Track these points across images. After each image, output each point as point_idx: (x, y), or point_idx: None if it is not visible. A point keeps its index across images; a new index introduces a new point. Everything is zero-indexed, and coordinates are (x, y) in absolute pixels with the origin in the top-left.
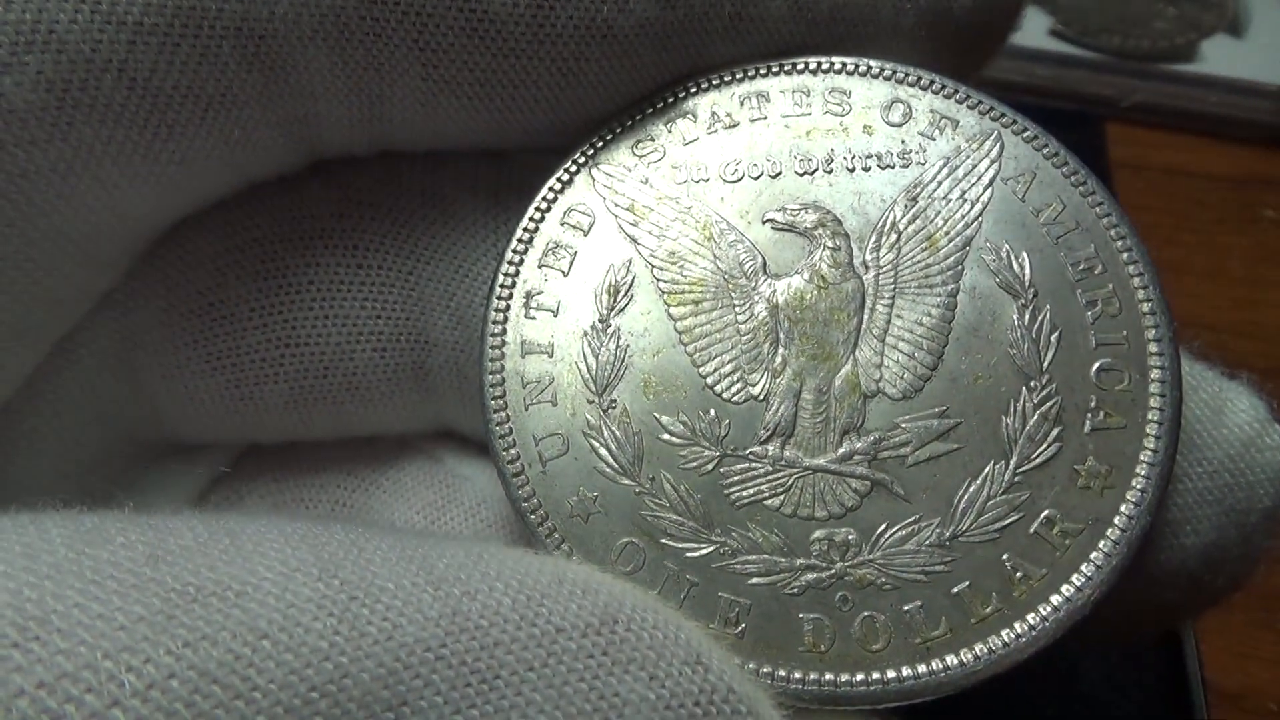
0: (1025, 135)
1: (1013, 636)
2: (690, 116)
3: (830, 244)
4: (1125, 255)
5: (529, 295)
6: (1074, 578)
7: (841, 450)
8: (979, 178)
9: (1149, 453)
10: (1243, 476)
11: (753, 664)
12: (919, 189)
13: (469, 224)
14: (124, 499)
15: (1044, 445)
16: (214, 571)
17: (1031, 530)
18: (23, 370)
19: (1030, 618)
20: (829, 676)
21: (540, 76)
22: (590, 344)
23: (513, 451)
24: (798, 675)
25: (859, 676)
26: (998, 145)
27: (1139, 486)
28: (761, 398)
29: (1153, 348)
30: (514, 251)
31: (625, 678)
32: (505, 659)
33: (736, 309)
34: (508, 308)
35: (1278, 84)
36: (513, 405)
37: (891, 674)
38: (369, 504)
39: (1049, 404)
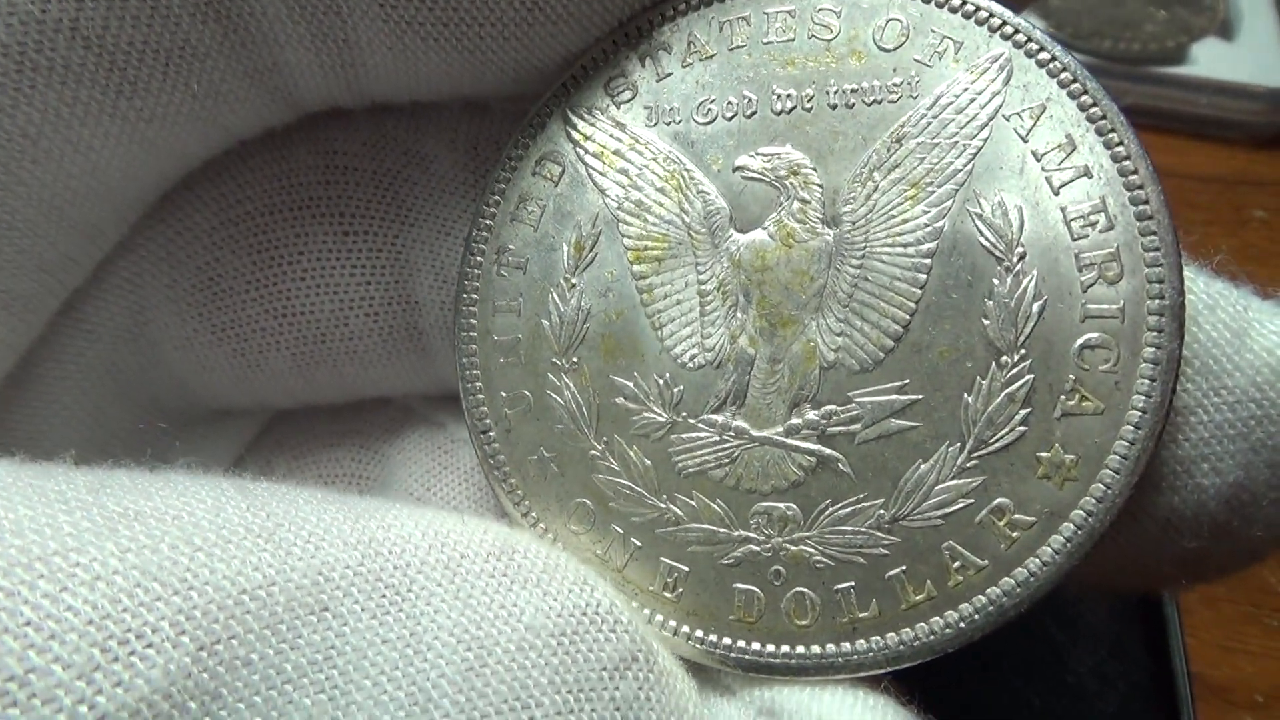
0: (1040, 58)
1: (940, 626)
2: (665, 48)
3: (800, 196)
4: (1138, 209)
5: (500, 251)
6: (1015, 573)
7: (791, 422)
8: (975, 115)
9: (1124, 444)
10: (1273, 408)
11: (685, 628)
12: (905, 129)
13: (448, 181)
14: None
15: (1005, 429)
16: (150, 500)
17: (978, 519)
18: (18, 340)
19: (962, 609)
20: (755, 646)
21: (505, 11)
22: (555, 303)
23: (481, 410)
24: (726, 642)
25: (783, 649)
26: (1004, 74)
27: (1105, 481)
28: (716, 364)
29: (1151, 320)
30: (486, 206)
31: (523, 593)
32: (416, 577)
33: (699, 267)
34: (480, 264)
35: (1268, 86)
36: (483, 364)
37: (816, 649)
38: (381, 475)
39: (1018, 383)
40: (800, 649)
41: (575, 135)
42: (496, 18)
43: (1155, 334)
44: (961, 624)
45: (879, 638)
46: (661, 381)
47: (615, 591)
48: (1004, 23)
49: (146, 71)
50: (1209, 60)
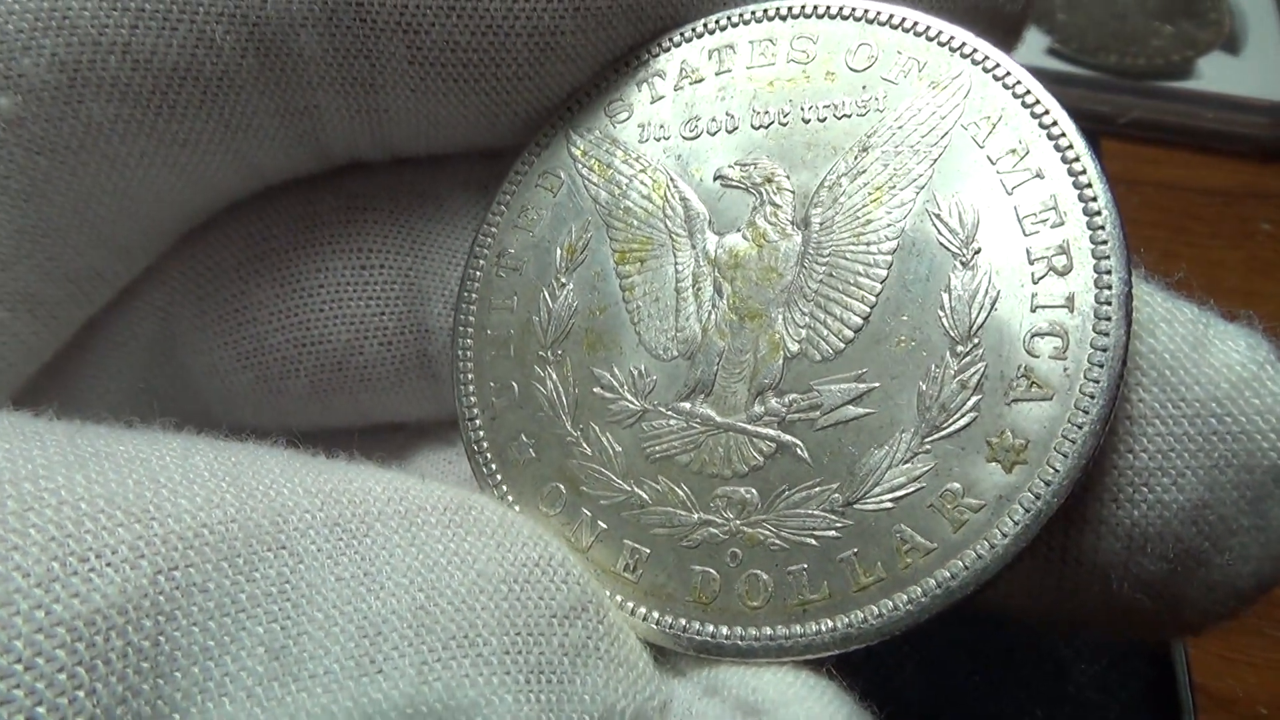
0: (996, 73)
1: (889, 609)
2: (660, 75)
3: (773, 200)
4: (1086, 205)
5: (500, 255)
6: (963, 556)
7: (754, 410)
8: (936, 125)
9: (1072, 428)
10: (1235, 424)
11: (643, 608)
12: (872, 139)
13: (461, 217)
14: None
15: (957, 414)
16: (122, 445)
17: (929, 503)
18: (40, 345)
19: (911, 591)
20: (709, 628)
21: (519, 51)
22: (546, 300)
23: (470, 398)
24: (682, 623)
25: (737, 630)
26: (963, 89)
27: (1055, 465)
28: (688, 355)
29: (1100, 310)
30: (492, 214)
31: (478, 543)
32: (374, 524)
33: (677, 266)
34: (481, 267)
35: (1273, 100)
36: (476, 357)
37: (766, 630)
38: None
39: (970, 371)
40: (752, 630)
41: (574, 151)
42: (513, 58)
43: (1104, 322)
44: (910, 606)
45: (829, 619)
46: (636, 372)
47: (571, 551)
48: (964, 44)
49: (186, 96)
50: (1215, 75)
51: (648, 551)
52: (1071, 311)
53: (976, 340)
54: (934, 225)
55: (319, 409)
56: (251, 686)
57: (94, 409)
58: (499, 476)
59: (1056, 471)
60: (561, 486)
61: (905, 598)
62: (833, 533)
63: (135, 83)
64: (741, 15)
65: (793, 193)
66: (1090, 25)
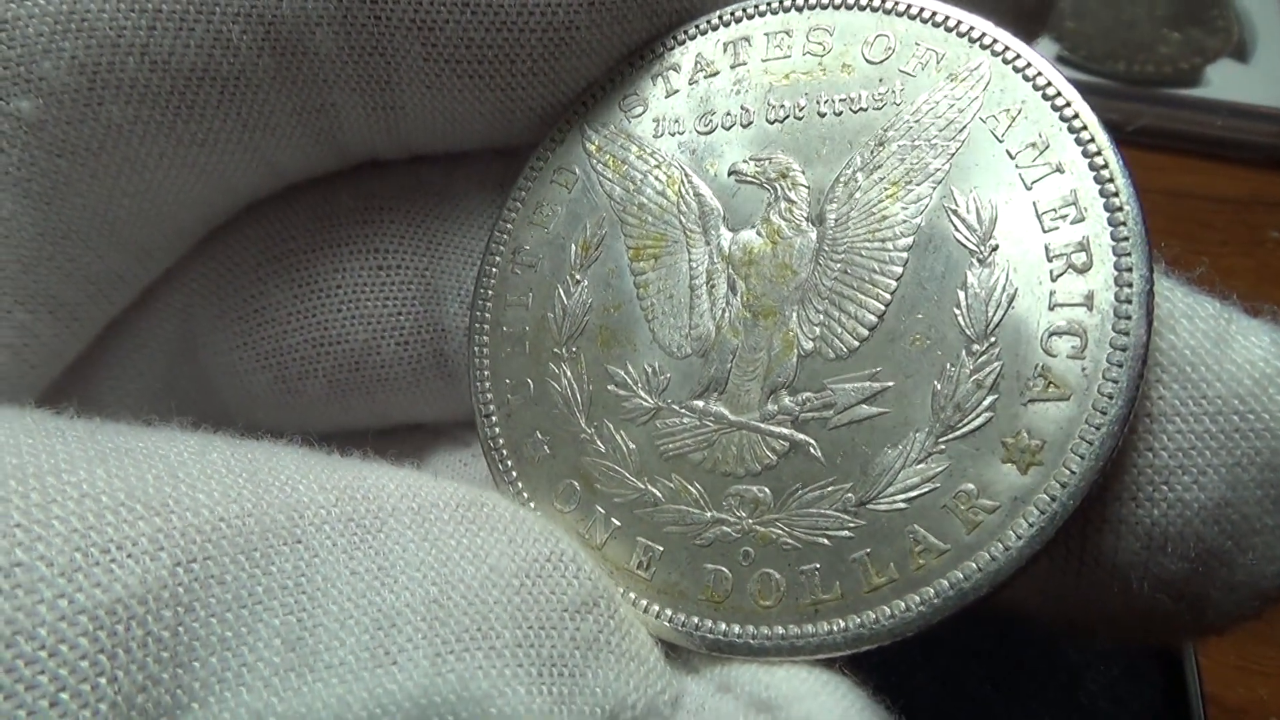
0: (1017, 64)
1: (900, 610)
2: (675, 69)
3: (788, 196)
4: (1108, 201)
5: (515, 252)
6: (976, 558)
7: (767, 408)
8: (954, 119)
9: (1090, 429)
10: (1258, 421)
11: (655, 606)
12: (888, 133)
13: (477, 216)
14: None
15: (972, 414)
16: (141, 441)
17: (943, 504)
18: (63, 347)
19: (924, 592)
20: (721, 626)
21: (533, 46)
22: (560, 297)
23: (486, 395)
24: (694, 621)
25: (749, 629)
26: (982, 81)
27: (1071, 467)
28: (701, 353)
29: (1120, 308)
30: (508, 210)
31: (490, 538)
32: (388, 520)
33: (691, 262)
34: (497, 264)
35: None
36: (492, 354)
37: (779, 629)
38: None
39: (986, 370)
40: (764, 629)
41: (589, 147)
42: (527, 53)
43: (1124, 321)
44: (922, 607)
45: (840, 619)
46: (650, 369)
47: (583, 548)
48: (983, 34)
49: (204, 96)
50: (1224, 82)
51: (660, 549)
52: (1090, 310)
53: (993, 339)
54: (951, 221)
55: (336, 409)
56: (268, 676)
57: (115, 410)
58: (514, 473)
59: (1073, 473)
60: (576, 484)
61: (917, 599)
62: (845, 532)
63: (154, 84)
64: (757, 7)
65: (808, 188)
66: (1099, 33)
